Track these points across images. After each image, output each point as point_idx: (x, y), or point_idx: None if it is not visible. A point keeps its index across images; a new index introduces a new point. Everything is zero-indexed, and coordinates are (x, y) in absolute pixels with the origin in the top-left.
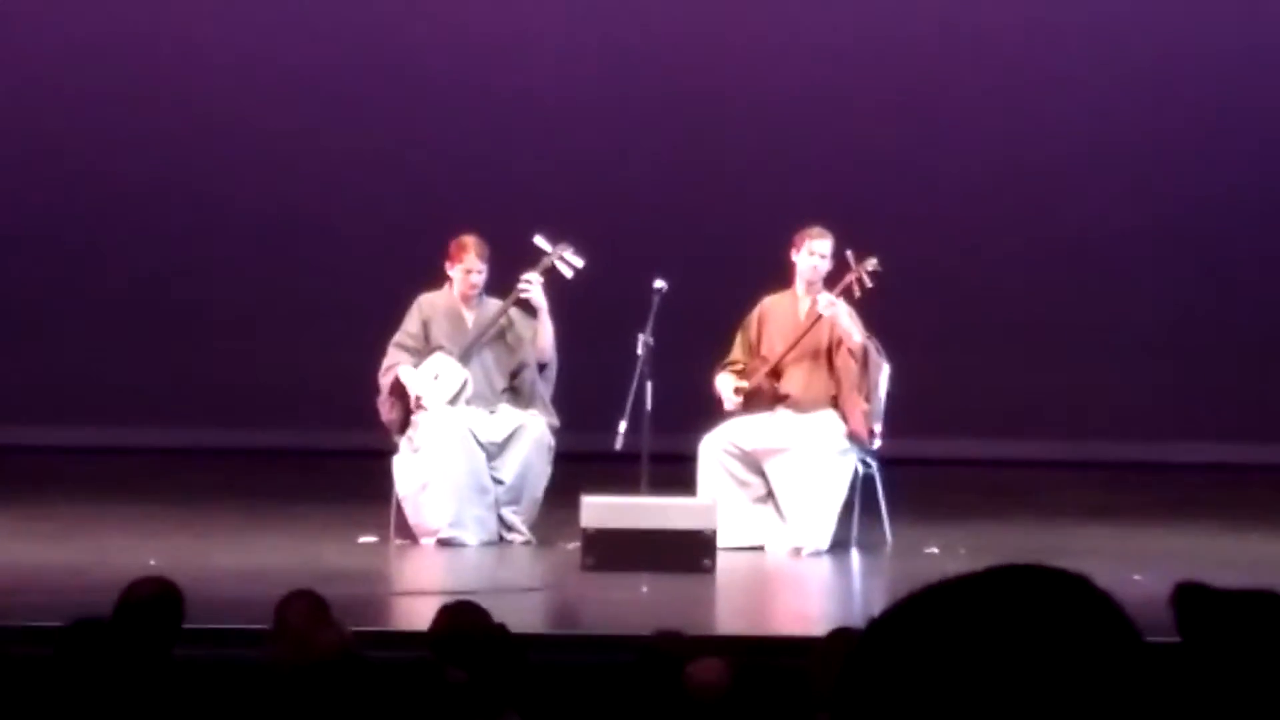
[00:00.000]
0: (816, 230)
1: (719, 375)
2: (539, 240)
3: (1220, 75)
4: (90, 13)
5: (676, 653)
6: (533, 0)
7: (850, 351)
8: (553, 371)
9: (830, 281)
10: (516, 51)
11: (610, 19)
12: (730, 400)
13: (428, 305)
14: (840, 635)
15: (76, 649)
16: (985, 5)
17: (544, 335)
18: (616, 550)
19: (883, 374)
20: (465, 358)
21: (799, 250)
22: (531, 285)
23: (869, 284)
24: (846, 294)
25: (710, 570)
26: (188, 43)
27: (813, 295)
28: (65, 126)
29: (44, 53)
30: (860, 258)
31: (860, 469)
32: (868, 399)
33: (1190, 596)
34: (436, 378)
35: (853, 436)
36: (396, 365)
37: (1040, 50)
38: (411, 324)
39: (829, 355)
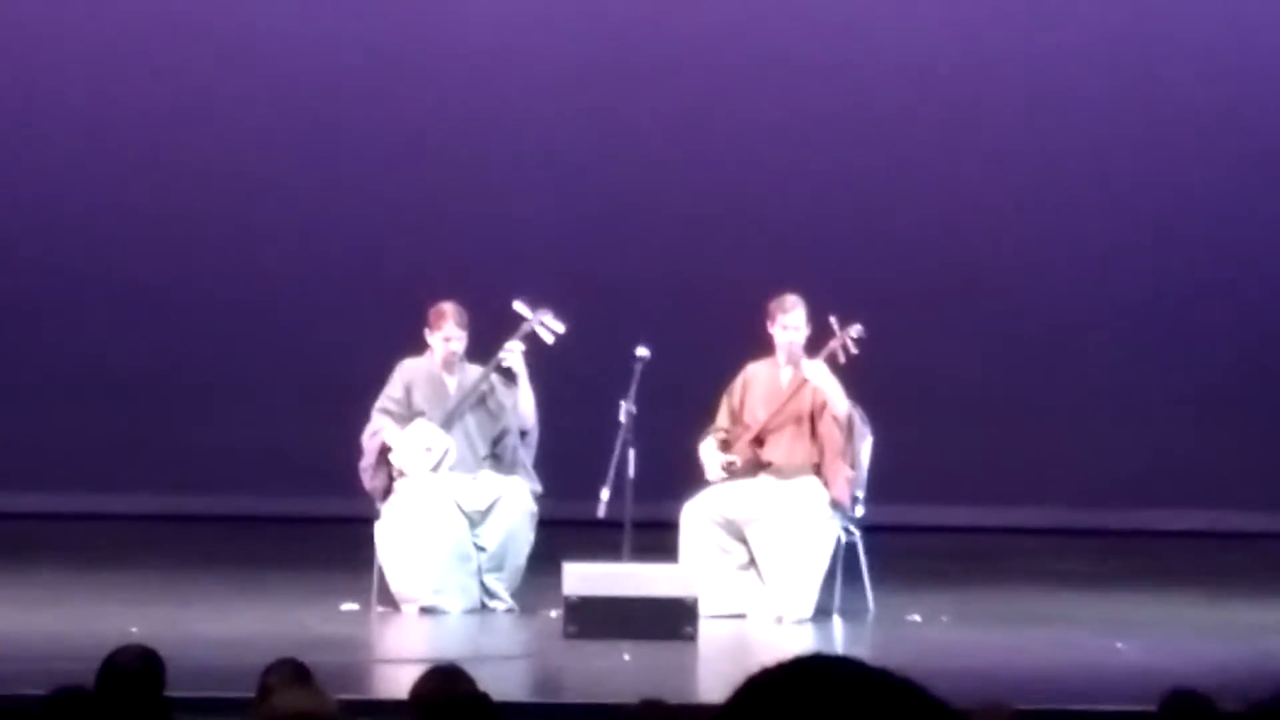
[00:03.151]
0: (787, 303)
1: (704, 443)
2: (519, 306)
3: (1221, 129)
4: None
5: None
6: (514, 64)
7: (835, 419)
8: (534, 438)
9: (814, 347)
10: (495, 118)
11: (593, 84)
12: (715, 474)
13: (410, 370)
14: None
15: (59, 718)
16: (972, 66)
17: (525, 401)
18: (599, 618)
19: (865, 443)
20: (448, 424)
21: (773, 324)
22: (512, 352)
23: (853, 350)
24: (831, 360)
25: (692, 638)
26: (153, 122)
27: (793, 364)
28: (29, 195)
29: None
30: (844, 324)
31: (843, 536)
32: (852, 466)
33: None
34: (428, 450)
35: (835, 503)
36: (381, 430)
37: (1035, 111)
38: (394, 389)
39: (812, 422)
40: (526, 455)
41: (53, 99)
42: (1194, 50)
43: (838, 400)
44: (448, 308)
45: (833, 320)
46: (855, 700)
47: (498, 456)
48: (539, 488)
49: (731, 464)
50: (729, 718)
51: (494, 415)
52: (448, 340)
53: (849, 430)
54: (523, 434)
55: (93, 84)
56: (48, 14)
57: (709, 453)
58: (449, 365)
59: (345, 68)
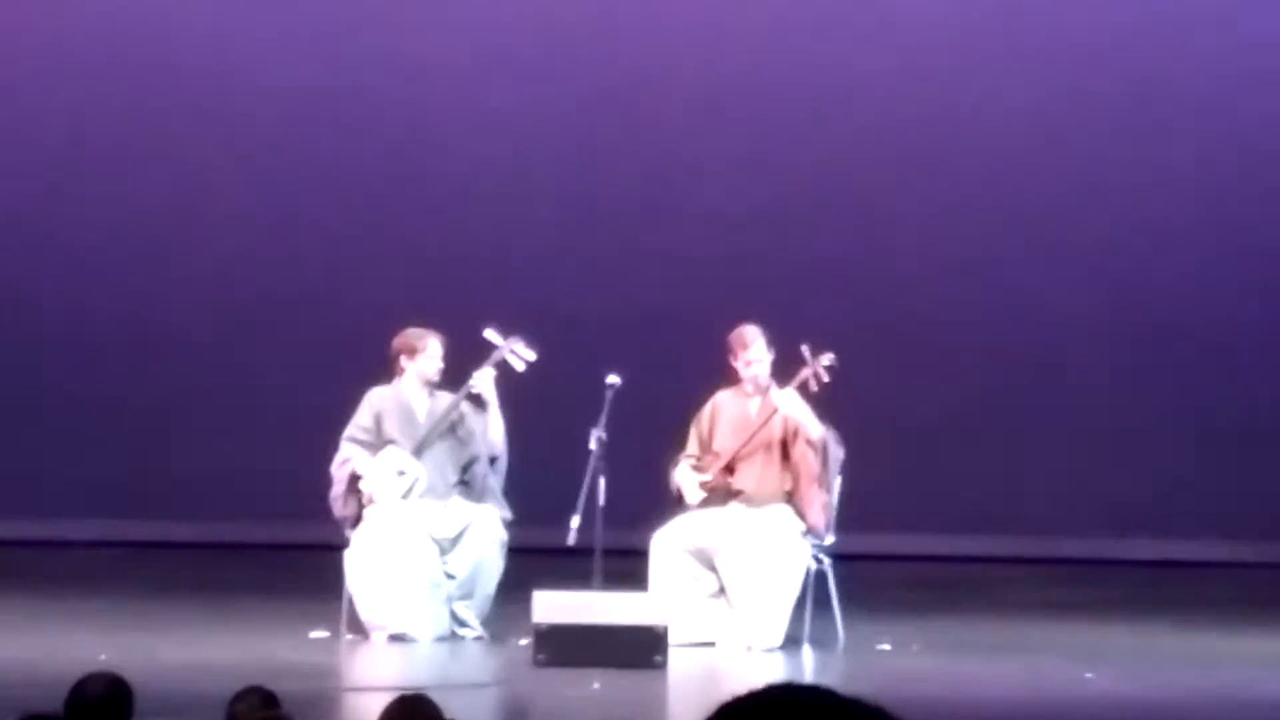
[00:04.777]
0: (746, 336)
1: (679, 468)
2: (490, 334)
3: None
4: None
5: None
6: (484, 94)
7: (810, 443)
8: (503, 464)
9: (785, 375)
10: (464, 148)
11: (562, 114)
12: (694, 496)
13: (378, 398)
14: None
15: None
16: (954, 94)
17: (494, 428)
18: (568, 646)
19: (838, 462)
20: (418, 451)
21: (735, 359)
22: (483, 380)
23: (825, 379)
24: (802, 389)
25: (662, 666)
26: (138, 139)
27: (761, 393)
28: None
29: None
30: (816, 352)
31: (813, 565)
32: (828, 491)
33: None
34: (401, 474)
35: (811, 530)
36: (351, 459)
37: (1016, 136)
38: (363, 417)
39: (783, 449)
40: (496, 482)
41: (16, 126)
42: (1185, 67)
43: (811, 425)
44: (424, 331)
45: (804, 349)
46: None
47: (467, 483)
48: (509, 515)
49: (706, 485)
50: None
51: (463, 442)
52: (434, 359)
53: (824, 455)
54: (492, 460)
55: (64, 111)
56: (8, 26)
57: (686, 476)
58: (430, 385)
59: (313, 97)
